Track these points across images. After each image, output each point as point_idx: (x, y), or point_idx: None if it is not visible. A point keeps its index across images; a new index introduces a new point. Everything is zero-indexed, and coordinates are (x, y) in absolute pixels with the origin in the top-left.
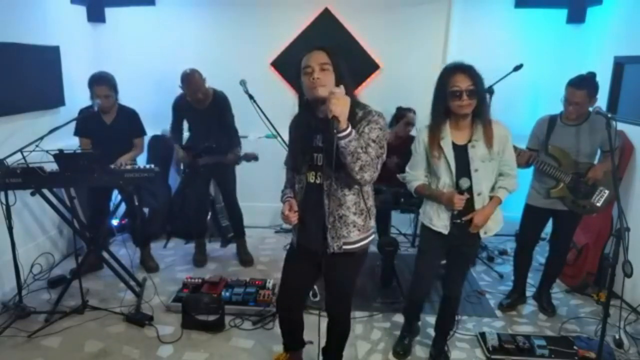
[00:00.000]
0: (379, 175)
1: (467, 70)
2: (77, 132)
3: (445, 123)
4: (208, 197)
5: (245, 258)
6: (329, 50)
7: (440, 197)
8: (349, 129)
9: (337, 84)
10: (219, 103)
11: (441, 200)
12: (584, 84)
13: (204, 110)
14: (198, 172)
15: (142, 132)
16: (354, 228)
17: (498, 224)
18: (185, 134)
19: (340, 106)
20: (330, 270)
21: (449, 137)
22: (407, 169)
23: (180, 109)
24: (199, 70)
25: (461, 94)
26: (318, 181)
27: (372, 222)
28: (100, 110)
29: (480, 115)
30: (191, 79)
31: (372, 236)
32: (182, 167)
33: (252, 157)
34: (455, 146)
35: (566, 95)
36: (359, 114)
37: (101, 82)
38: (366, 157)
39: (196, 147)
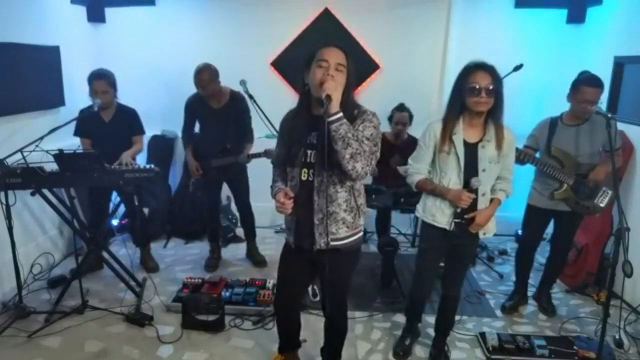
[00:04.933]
0: (381, 175)
1: (488, 69)
2: (77, 133)
3: (459, 119)
4: (220, 200)
5: (258, 259)
6: (347, 53)
7: (446, 194)
8: (340, 114)
9: (346, 87)
10: (236, 103)
11: (446, 197)
12: (599, 83)
13: (219, 109)
14: (210, 175)
15: (142, 131)
16: (343, 225)
17: (496, 225)
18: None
19: (335, 88)
20: (322, 269)
21: (461, 133)
22: (409, 161)
23: (193, 108)
24: (214, 68)
25: (480, 91)
26: (310, 178)
27: (362, 220)
28: (99, 107)
29: (495, 116)
30: (199, 74)
31: (361, 234)
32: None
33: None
34: (466, 144)
35: (584, 96)
36: (354, 113)
37: (100, 78)
38: (357, 146)
39: (210, 151)
